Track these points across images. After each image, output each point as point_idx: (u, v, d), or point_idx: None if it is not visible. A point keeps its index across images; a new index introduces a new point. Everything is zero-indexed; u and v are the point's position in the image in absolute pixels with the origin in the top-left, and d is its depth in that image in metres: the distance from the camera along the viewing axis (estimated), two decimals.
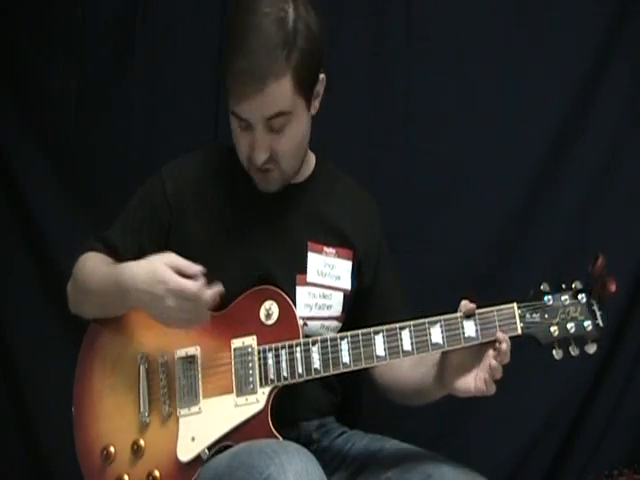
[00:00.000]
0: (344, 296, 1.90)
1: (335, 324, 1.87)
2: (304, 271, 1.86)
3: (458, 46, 2.39)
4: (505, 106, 2.37)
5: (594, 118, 2.35)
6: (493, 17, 2.39)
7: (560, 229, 2.32)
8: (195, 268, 1.66)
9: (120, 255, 1.90)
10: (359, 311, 1.89)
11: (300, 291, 1.85)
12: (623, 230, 2.22)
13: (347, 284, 1.91)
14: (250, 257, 1.84)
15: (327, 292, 1.88)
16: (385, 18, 2.42)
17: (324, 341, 1.71)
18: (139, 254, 1.88)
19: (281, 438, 1.68)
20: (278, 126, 1.75)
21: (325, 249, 1.90)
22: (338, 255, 1.91)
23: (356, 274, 1.93)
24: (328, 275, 1.89)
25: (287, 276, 1.84)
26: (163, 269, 1.67)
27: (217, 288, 1.67)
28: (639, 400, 2.32)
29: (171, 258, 1.69)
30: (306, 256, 1.87)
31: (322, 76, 1.81)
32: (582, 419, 2.34)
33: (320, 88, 1.83)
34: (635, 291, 2.32)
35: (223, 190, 1.90)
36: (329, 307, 1.88)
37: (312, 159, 1.97)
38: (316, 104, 1.84)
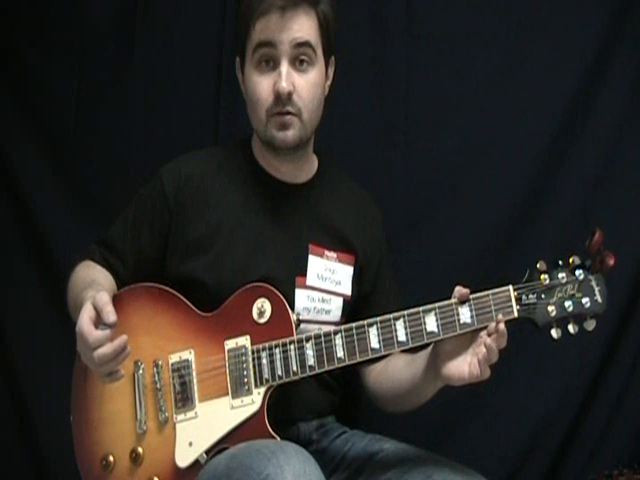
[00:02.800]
0: (344, 301, 1.90)
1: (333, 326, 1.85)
2: (304, 273, 1.86)
3: (458, 45, 2.39)
4: (505, 105, 2.37)
5: (594, 118, 2.35)
6: (493, 16, 2.39)
7: (560, 229, 2.32)
8: (110, 318, 1.60)
9: (120, 257, 1.91)
10: (356, 317, 1.85)
11: (299, 293, 1.85)
12: (623, 230, 2.22)
13: (347, 290, 1.91)
14: (250, 257, 1.84)
15: (327, 297, 1.88)
16: (385, 17, 2.41)
17: (318, 337, 1.71)
18: (139, 255, 1.89)
19: (279, 438, 1.68)
20: (302, 62, 1.79)
21: (326, 253, 1.89)
22: (339, 260, 1.90)
23: (357, 280, 1.92)
24: (328, 279, 1.88)
25: (287, 277, 1.84)
26: (82, 319, 1.62)
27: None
28: (639, 400, 2.32)
29: (97, 298, 1.64)
30: (307, 258, 1.87)
31: (333, 58, 1.89)
32: (582, 419, 2.34)
33: (331, 71, 1.90)
34: (635, 290, 2.32)
35: (224, 189, 1.90)
36: (328, 312, 1.88)
37: (315, 160, 1.98)
38: (329, 82, 1.89)
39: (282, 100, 1.78)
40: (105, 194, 2.45)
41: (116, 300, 1.79)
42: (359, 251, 1.93)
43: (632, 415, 2.32)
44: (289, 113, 1.80)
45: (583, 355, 2.31)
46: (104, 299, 1.63)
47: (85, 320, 1.61)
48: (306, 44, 1.79)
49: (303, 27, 1.79)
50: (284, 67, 1.78)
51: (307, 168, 1.94)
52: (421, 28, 2.40)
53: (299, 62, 1.80)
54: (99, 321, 1.62)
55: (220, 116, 2.43)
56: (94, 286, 1.75)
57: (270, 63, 1.80)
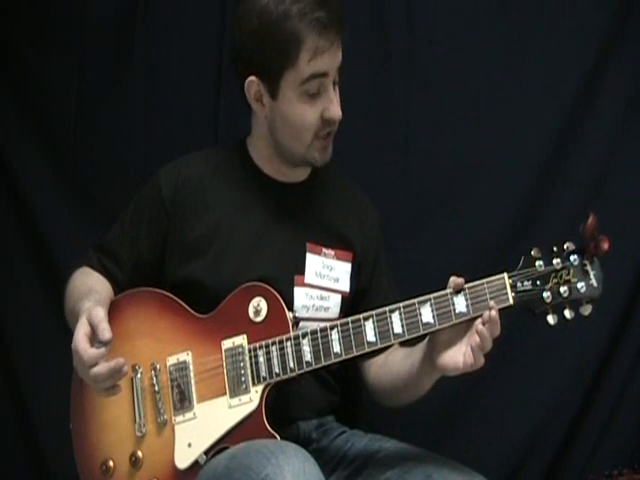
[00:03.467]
0: (342, 298, 1.90)
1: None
2: (302, 272, 1.86)
3: (459, 46, 2.39)
4: (505, 106, 2.37)
5: (595, 118, 2.34)
6: (494, 17, 2.38)
7: (560, 230, 2.31)
8: (105, 335, 1.61)
9: (118, 262, 1.91)
10: (353, 313, 1.87)
11: (298, 292, 1.85)
12: (623, 230, 2.21)
13: (346, 286, 1.91)
14: (248, 258, 1.84)
15: (325, 294, 1.88)
16: (385, 17, 2.41)
17: (314, 332, 1.71)
18: (137, 259, 1.90)
19: (278, 436, 1.68)
20: (336, 79, 1.79)
21: (324, 250, 1.89)
22: (337, 257, 1.90)
23: (355, 276, 1.92)
24: (327, 277, 1.88)
25: (285, 277, 1.84)
26: (77, 336, 1.63)
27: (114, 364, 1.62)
28: (639, 400, 2.32)
29: (92, 314, 1.65)
30: (304, 257, 1.87)
31: None
32: (582, 418, 2.34)
33: None
34: (635, 290, 2.32)
35: (222, 190, 1.90)
36: (327, 309, 1.88)
37: None
38: None
39: (332, 125, 1.80)
40: (105, 194, 2.45)
41: (113, 306, 1.81)
42: (357, 248, 1.93)
43: (632, 415, 2.32)
44: (331, 133, 1.82)
45: (583, 354, 2.32)
46: (99, 315, 1.64)
47: (80, 337, 1.62)
48: (341, 65, 1.80)
49: (341, 51, 1.79)
50: (333, 94, 1.78)
51: (304, 168, 1.94)
52: (421, 29, 2.40)
53: (334, 82, 1.80)
54: (95, 338, 1.62)
55: (220, 116, 2.43)
56: (91, 295, 1.76)
57: (317, 88, 1.77)
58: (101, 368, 1.61)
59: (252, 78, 1.80)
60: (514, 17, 2.38)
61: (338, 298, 1.89)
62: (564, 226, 2.31)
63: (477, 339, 1.61)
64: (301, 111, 1.78)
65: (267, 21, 1.74)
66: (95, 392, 1.70)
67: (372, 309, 1.71)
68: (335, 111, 1.78)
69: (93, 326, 1.63)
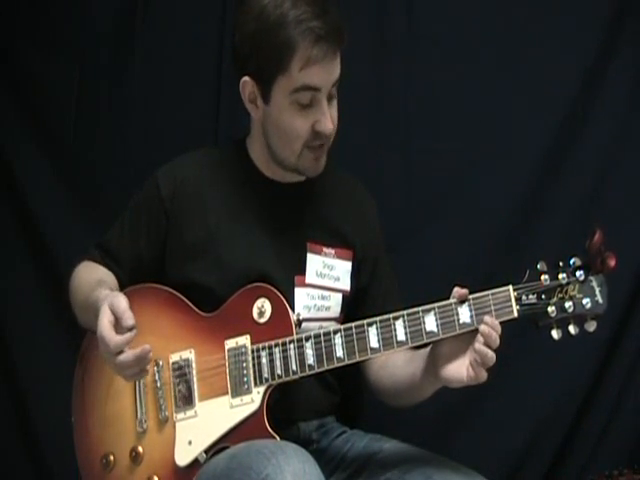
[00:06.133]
0: (343, 297, 1.90)
1: (333, 325, 1.84)
2: (303, 272, 1.86)
3: (459, 45, 2.39)
4: (505, 106, 2.37)
5: (594, 118, 2.35)
6: (493, 16, 2.39)
7: (561, 230, 2.32)
8: (129, 322, 1.61)
9: (118, 262, 1.91)
10: (355, 311, 1.88)
11: (299, 292, 1.85)
12: (623, 230, 2.22)
13: (346, 285, 1.90)
14: (249, 258, 1.84)
15: (326, 293, 1.87)
16: (385, 17, 2.42)
17: (317, 336, 1.71)
18: (137, 259, 1.90)
19: (278, 437, 1.68)
20: (333, 94, 1.78)
21: (324, 249, 1.89)
22: (337, 256, 1.90)
23: (355, 274, 1.92)
24: (327, 276, 1.88)
25: (285, 277, 1.83)
26: (102, 324, 1.62)
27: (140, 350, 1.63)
28: (639, 400, 2.32)
29: (115, 303, 1.64)
30: (305, 257, 1.87)
31: None
32: (582, 419, 2.34)
33: None
34: (635, 290, 2.32)
35: (221, 190, 1.89)
36: (328, 308, 1.88)
37: None
38: None
39: (323, 138, 1.79)
40: (105, 194, 2.46)
41: None
42: (357, 245, 1.92)
43: (632, 415, 2.33)
44: (323, 145, 1.81)
45: (583, 355, 2.31)
46: (123, 304, 1.63)
47: (105, 325, 1.62)
48: (337, 79, 1.78)
49: (339, 67, 1.78)
50: (326, 107, 1.77)
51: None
52: (421, 28, 2.40)
53: (331, 96, 1.79)
54: (119, 325, 1.62)
55: (220, 116, 2.43)
56: (104, 286, 1.76)
57: (310, 100, 1.77)
58: (127, 356, 1.62)
59: (247, 79, 1.80)
60: (514, 17, 2.38)
61: (339, 297, 1.89)
62: (565, 226, 2.32)
63: (476, 356, 1.60)
64: (292, 119, 1.77)
65: (264, 24, 1.73)
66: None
67: (372, 307, 1.71)
68: (326, 125, 1.77)
69: (117, 314, 1.62)
